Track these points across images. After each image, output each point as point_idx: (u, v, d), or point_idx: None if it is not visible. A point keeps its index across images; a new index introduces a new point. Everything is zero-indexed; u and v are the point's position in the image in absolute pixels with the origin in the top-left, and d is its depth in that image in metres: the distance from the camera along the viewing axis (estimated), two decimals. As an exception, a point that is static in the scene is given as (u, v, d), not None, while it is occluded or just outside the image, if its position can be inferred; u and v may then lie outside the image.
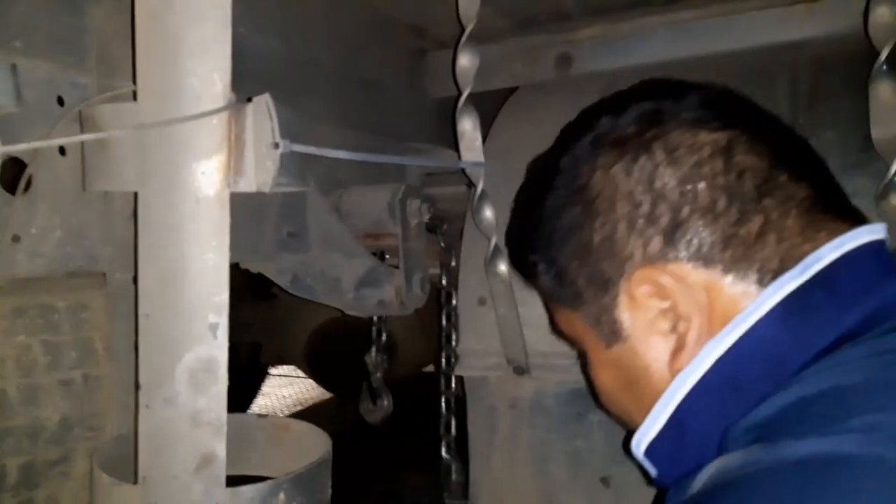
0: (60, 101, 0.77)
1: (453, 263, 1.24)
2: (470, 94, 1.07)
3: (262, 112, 0.67)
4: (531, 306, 1.06)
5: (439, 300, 1.26)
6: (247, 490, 0.71)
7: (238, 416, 0.85)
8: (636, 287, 0.61)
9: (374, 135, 1.28)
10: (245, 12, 0.90)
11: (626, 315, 0.63)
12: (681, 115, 0.62)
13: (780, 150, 0.60)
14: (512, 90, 1.37)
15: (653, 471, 0.64)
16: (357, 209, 1.16)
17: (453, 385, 1.25)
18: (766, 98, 1.08)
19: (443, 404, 1.26)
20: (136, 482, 0.70)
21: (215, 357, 0.68)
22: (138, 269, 0.69)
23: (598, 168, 0.63)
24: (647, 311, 0.61)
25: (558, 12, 1.25)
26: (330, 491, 0.81)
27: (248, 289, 2.91)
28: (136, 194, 0.71)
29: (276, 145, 0.67)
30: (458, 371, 1.22)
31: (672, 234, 0.59)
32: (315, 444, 0.85)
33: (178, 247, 0.68)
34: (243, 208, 0.87)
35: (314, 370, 3.87)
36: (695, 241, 0.58)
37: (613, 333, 0.64)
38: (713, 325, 0.58)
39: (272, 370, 4.59)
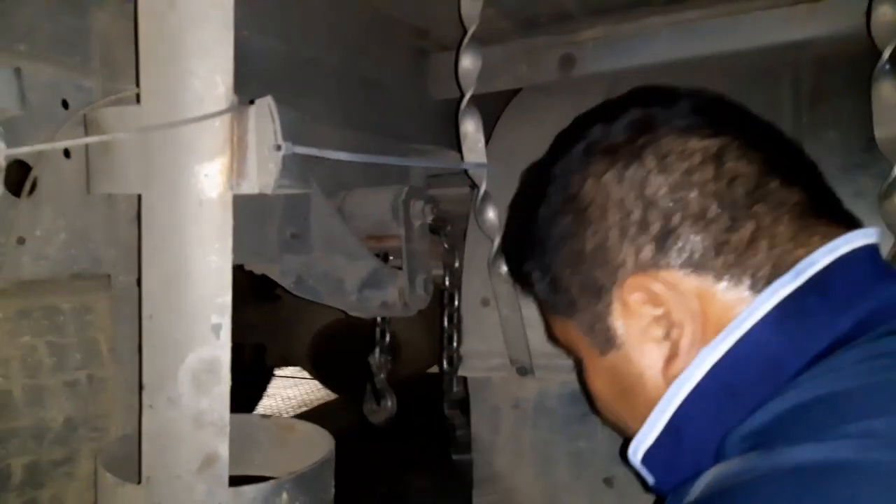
0: (65, 105, 0.78)
1: (456, 264, 1.24)
2: (473, 96, 1.07)
3: (264, 114, 0.68)
4: (534, 307, 1.07)
5: (443, 301, 1.27)
6: (249, 490, 0.71)
7: (241, 416, 0.85)
8: (629, 294, 0.61)
9: (376, 136, 1.28)
10: (247, 13, 0.91)
11: (619, 322, 0.63)
12: (672, 123, 0.62)
13: (771, 156, 0.60)
14: (515, 91, 1.37)
15: (650, 478, 0.64)
16: (360, 211, 1.17)
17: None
18: (769, 98, 1.09)
19: (445, 362, 1.25)
20: (139, 482, 0.71)
21: (218, 358, 0.68)
22: (142, 270, 0.70)
23: (589, 176, 0.64)
24: (641, 318, 0.61)
25: (561, 13, 1.25)
26: (333, 491, 0.82)
27: (252, 290, 2.91)
28: (139, 197, 0.71)
29: (279, 147, 0.67)
30: (461, 372, 1.22)
31: (664, 242, 0.59)
32: (319, 445, 0.85)
33: (181, 248, 0.68)
34: (247, 210, 0.87)
35: (318, 371, 3.87)
36: (686, 248, 0.58)
37: (607, 341, 0.64)
38: (706, 332, 0.58)
39: (277, 371, 4.60)
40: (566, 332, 0.71)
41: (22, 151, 0.70)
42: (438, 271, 1.26)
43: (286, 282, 1.04)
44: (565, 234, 0.65)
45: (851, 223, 0.60)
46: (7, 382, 0.75)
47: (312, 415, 4.71)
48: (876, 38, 0.92)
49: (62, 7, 0.78)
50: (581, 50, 1.31)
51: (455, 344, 1.24)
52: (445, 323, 1.25)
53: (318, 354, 3.46)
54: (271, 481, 0.73)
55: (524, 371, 1.15)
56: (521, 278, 0.78)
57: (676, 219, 0.58)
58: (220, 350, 0.68)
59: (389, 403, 1.41)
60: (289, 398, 5.35)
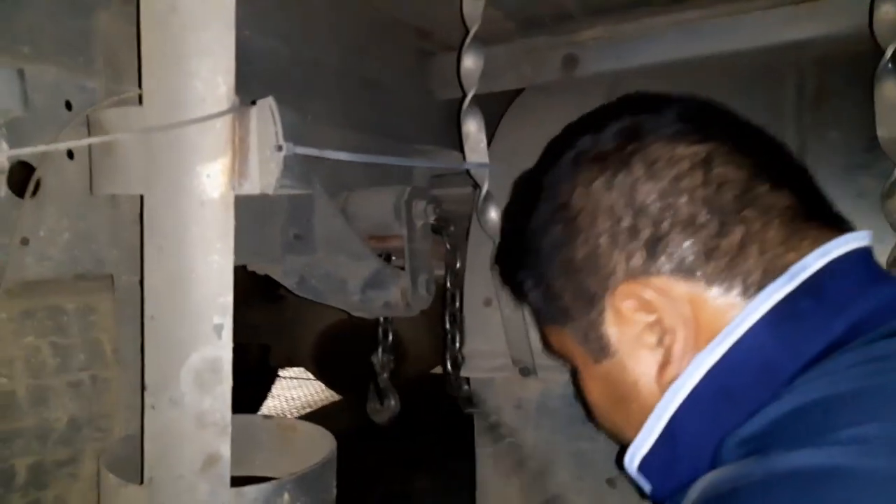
0: (68, 106, 0.78)
1: (459, 265, 1.24)
2: (475, 96, 1.07)
3: (265, 115, 0.68)
4: (536, 308, 1.07)
5: (444, 301, 1.27)
6: (251, 490, 0.71)
7: (244, 416, 0.86)
8: (621, 301, 0.61)
9: (378, 137, 1.28)
10: (248, 14, 0.91)
11: (612, 330, 0.63)
12: (660, 130, 0.62)
13: (760, 161, 0.60)
14: (517, 92, 1.37)
15: (647, 486, 0.64)
16: (363, 211, 1.17)
17: (457, 302, 1.25)
18: (771, 98, 1.09)
19: (447, 321, 1.25)
20: (142, 483, 0.71)
21: (220, 357, 0.68)
22: (144, 271, 0.70)
23: (579, 185, 0.64)
24: (634, 325, 0.61)
25: (563, 13, 1.25)
26: (335, 491, 0.82)
27: (256, 291, 2.92)
28: (142, 197, 0.72)
29: (280, 148, 0.67)
30: (464, 372, 1.22)
31: (654, 248, 0.59)
32: (321, 445, 0.85)
33: (183, 249, 0.68)
34: (249, 211, 0.87)
35: (322, 371, 3.88)
36: (676, 255, 0.58)
37: (601, 349, 0.64)
38: (699, 338, 0.58)
39: (281, 373, 4.61)
40: (561, 340, 0.71)
41: (25, 152, 0.70)
42: (441, 271, 1.26)
43: (289, 282, 1.04)
44: (557, 243, 0.65)
45: (844, 226, 0.60)
46: (11, 383, 0.75)
47: (316, 416, 4.71)
48: (878, 38, 0.92)
49: (65, 9, 0.78)
50: (583, 50, 1.31)
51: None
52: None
53: (321, 355, 3.47)
54: (273, 482, 0.73)
55: (527, 371, 1.15)
56: (515, 288, 0.78)
57: (666, 225, 0.58)
58: (222, 350, 0.68)
59: (393, 403, 1.41)
60: (293, 399, 5.36)
